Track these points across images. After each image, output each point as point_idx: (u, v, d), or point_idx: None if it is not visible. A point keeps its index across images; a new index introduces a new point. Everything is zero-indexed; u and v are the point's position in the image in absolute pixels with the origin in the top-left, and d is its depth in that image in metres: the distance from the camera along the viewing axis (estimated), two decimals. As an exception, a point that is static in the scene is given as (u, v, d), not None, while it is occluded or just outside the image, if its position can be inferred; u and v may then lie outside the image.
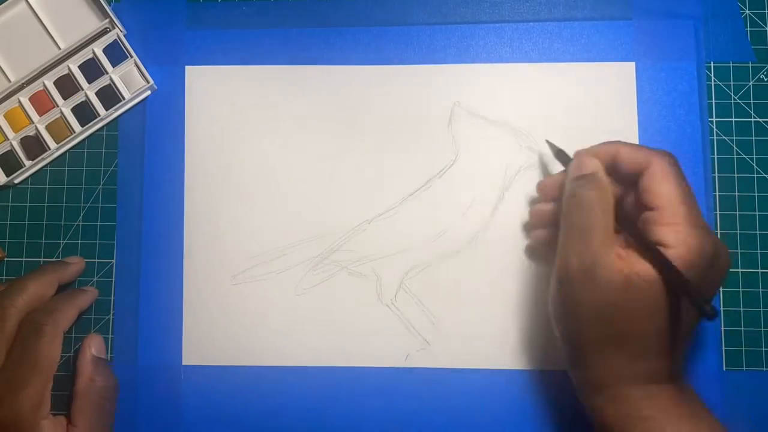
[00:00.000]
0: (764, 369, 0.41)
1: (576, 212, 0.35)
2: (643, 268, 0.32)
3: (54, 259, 0.43)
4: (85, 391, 0.39)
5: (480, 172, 0.43)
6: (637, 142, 0.42)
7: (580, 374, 0.36)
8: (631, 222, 0.35)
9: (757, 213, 0.42)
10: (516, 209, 0.42)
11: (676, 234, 0.32)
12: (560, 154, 0.40)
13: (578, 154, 0.37)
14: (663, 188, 0.33)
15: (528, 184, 0.42)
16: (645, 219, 0.34)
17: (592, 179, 0.35)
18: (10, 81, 0.43)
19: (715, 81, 0.43)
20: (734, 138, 0.43)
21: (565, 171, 0.38)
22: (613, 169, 0.36)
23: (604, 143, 0.37)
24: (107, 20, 0.43)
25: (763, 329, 0.41)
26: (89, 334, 0.42)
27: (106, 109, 0.44)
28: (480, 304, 0.42)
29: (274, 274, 0.43)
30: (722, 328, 0.41)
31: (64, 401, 0.40)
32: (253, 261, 0.43)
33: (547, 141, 0.42)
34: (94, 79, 0.44)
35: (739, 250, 0.42)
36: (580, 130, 0.43)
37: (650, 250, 0.32)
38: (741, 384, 0.41)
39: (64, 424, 0.38)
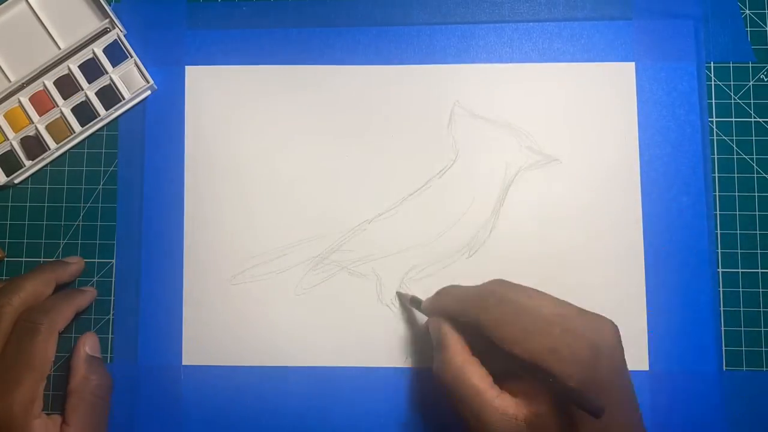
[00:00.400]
0: (764, 369, 0.41)
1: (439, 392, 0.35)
2: (532, 407, 0.31)
3: (53, 259, 0.43)
4: (79, 389, 0.39)
5: (480, 172, 0.43)
6: (637, 142, 0.42)
7: None
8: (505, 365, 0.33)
9: (757, 213, 0.42)
10: (516, 209, 0.42)
11: (547, 366, 0.31)
12: (414, 302, 0.40)
13: (429, 321, 0.38)
14: (504, 337, 0.32)
15: (528, 184, 0.42)
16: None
17: (443, 353, 0.35)
18: (10, 81, 0.43)
19: (715, 81, 0.43)
20: (734, 138, 0.43)
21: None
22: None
23: (436, 296, 0.38)
24: (107, 20, 0.43)
25: (763, 329, 0.41)
26: (84, 333, 0.41)
27: (106, 109, 0.44)
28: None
29: (274, 274, 0.43)
30: (722, 328, 0.41)
31: (59, 400, 0.40)
32: (253, 261, 0.43)
33: (398, 292, 0.42)
34: (94, 79, 0.44)
35: (739, 250, 0.42)
36: (580, 130, 0.43)
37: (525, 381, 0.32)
38: (741, 384, 0.41)
39: (58, 423, 0.38)
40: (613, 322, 0.33)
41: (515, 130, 0.43)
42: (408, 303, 0.41)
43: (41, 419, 0.37)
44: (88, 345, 0.40)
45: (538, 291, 0.34)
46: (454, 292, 0.37)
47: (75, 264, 0.42)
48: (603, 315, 0.33)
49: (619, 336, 0.33)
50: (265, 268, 0.43)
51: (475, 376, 0.33)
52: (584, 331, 0.32)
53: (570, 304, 0.33)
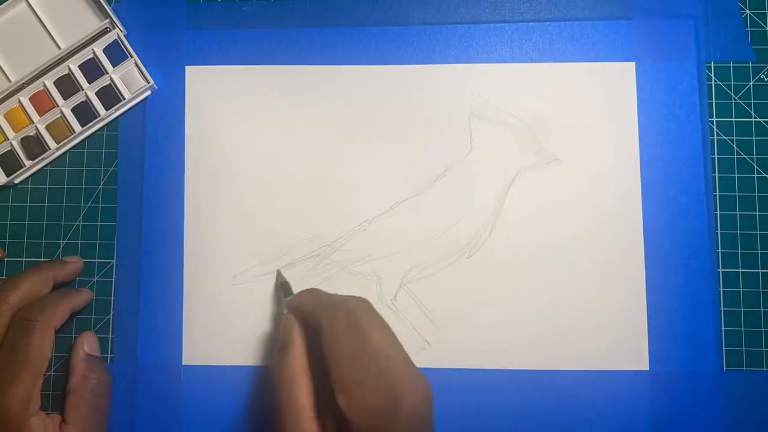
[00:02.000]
0: (765, 369, 0.41)
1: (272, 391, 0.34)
2: None
3: (52, 258, 0.43)
4: (78, 388, 0.39)
5: (480, 172, 0.43)
6: (637, 143, 0.42)
7: None
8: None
9: (757, 213, 0.42)
10: (516, 209, 0.42)
11: (344, 400, 0.31)
12: (284, 287, 0.40)
13: (282, 319, 0.37)
14: (330, 349, 0.32)
15: (528, 184, 0.42)
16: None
17: (283, 356, 0.34)
18: (10, 81, 0.43)
19: (715, 81, 0.43)
20: (734, 138, 0.43)
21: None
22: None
23: (301, 292, 0.38)
24: (107, 20, 0.43)
25: (763, 329, 0.41)
26: (83, 332, 0.41)
27: (107, 109, 0.44)
28: (480, 304, 0.42)
29: (274, 274, 0.43)
30: (723, 328, 0.41)
31: (58, 400, 0.40)
32: (253, 261, 0.43)
33: (278, 270, 0.42)
34: (94, 79, 0.44)
35: (739, 250, 0.42)
36: (580, 130, 0.43)
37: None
38: (741, 384, 0.41)
39: (57, 422, 0.38)
40: (429, 388, 0.33)
41: (515, 130, 0.43)
42: (279, 286, 0.41)
43: (39, 417, 0.37)
44: (87, 344, 0.40)
45: (385, 328, 0.34)
46: (315, 292, 0.37)
47: (74, 263, 0.42)
48: (425, 379, 0.33)
49: (431, 401, 0.33)
50: (265, 268, 0.43)
51: (302, 390, 0.33)
52: (399, 383, 0.31)
53: (404, 354, 0.33)
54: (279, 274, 0.42)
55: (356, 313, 0.33)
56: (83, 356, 0.40)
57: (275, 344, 0.41)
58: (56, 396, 0.42)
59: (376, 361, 0.32)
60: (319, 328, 0.33)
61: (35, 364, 0.37)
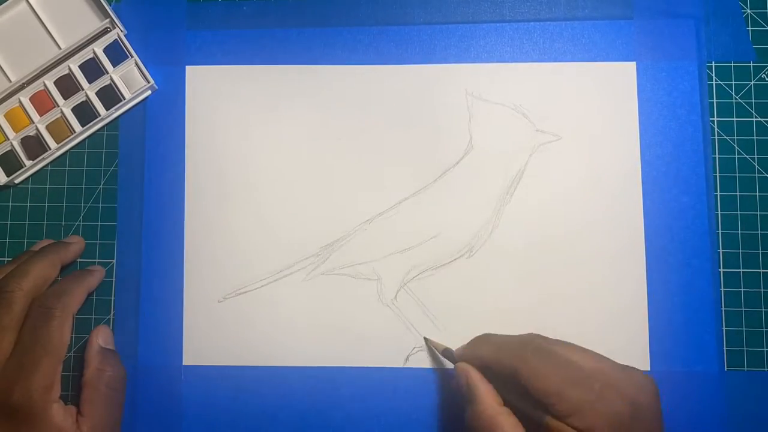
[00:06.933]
0: (766, 369, 0.41)
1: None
2: None
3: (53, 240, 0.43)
4: (93, 381, 0.39)
5: (480, 172, 0.43)
6: (638, 143, 0.42)
7: None
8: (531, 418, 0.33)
9: (758, 213, 0.42)
10: (517, 209, 0.42)
11: (580, 421, 0.31)
12: (446, 353, 0.40)
13: (456, 366, 0.37)
14: (539, 387, 0.32)
15: (529, 184, 0.42)
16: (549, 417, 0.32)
17: (474, 405, 0.35)
18: (10, 81, 0.43)
19: (716, 80, 0.43)
20: (735, 138, 0.43)
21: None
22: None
23: (471, 344, 0.38)
24: (107, 20, 0.43)
25: (764, 329, 0.41)
26: (98, 326, 0.42)
27: (107, 109, 0.44)
28: (480, 304, 0.42)
29: (275, 273, 0.43)
30: (723, 328, 0.41)
31: (73, 381, 0.40)
32: (253, 260, 0.43)
33: (425, 338, 0.42)
34: (95, 79, 0.44)
35: (740, 250, 0.42)
36: (580, 130, 0.43)
37: None
38: (742, 384, 0.41)
39: (74, 413, 0.38)
40: (653, 380, 0.33)
41: (515, 130, 0.43)
42: (440, 354, 0.41)
43: (59, 405, 0.37)
44: (101, 337, 0.41)
45: (576, 345, 0.34)
46: (491, 340, 0.37)
47: (76, 244, 0.42)
48: (640, 371, 0.33)
49: (659, 394, 0.33)
50: (265, 268, 0.43)
51: (507, 427, 0.33)
52: (625, 387, 0.32)
53: (609, 360, 0.34)
54: (428, 341, 0.41)
55: (542, 345, 0.34)
56: (98, 349, 0.40)
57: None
58: (73, 377, 0.42)
59: (592, 377, 0.32)
60: (515, 374, 0.33)
61: (56, 350, 0.37)
